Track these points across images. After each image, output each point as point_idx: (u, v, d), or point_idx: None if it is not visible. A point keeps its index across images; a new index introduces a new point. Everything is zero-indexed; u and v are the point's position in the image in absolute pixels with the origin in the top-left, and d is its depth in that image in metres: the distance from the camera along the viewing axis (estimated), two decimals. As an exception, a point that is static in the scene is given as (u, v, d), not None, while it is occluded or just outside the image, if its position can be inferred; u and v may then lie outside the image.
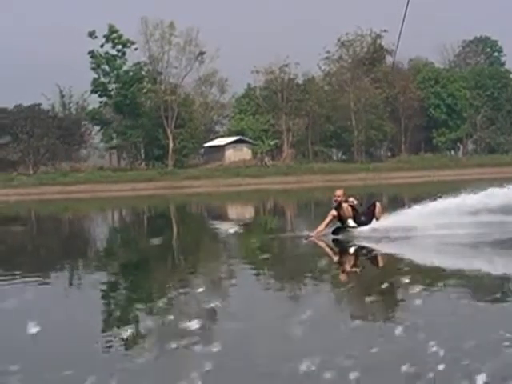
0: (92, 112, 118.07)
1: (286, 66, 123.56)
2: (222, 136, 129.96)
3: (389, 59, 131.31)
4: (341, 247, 20.51)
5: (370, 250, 19.34)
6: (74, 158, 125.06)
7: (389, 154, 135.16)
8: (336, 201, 21.65)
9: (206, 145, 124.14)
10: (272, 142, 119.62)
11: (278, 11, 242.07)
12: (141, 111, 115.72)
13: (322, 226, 21.50)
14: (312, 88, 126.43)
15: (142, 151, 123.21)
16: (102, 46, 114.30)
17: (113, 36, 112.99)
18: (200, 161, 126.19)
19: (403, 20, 12.56)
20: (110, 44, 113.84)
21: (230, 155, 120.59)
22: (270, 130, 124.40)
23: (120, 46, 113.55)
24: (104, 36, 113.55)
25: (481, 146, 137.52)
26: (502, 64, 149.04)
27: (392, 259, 17.60)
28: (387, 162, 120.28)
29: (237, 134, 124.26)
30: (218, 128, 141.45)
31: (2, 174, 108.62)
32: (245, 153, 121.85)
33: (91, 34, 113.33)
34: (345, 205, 21.44)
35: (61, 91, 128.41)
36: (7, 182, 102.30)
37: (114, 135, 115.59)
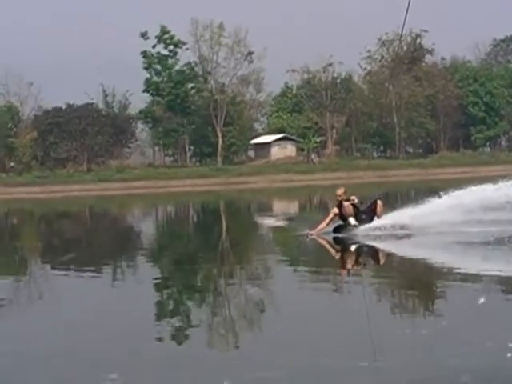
0: (145, 111, 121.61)
1: (330, 65, 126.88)
2: (261, 134, 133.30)
3: (428, 58, 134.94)
4: (342, 245, 20.21)
5: (372, 248, 19.25)
6: (117, 155, 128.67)
7: (420, 150, 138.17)
8: (337, 199, 21.79)
9: (253, 142, 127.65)
10: (318, 140, 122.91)
11: (315, 12, 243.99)
12: (191, 110, 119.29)
13: (324, 224, 21.63)
14: (354, 86, 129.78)
15: (189, 148, 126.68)
16: (154, 46, 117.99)
17: (165, 37, 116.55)
18: (246, 158, 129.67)
19: (406, 12, 12.15)
20: (162, 44, 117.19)
21: (276, 152, 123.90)
22: (313, 128, 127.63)
23: (172, 47, 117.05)
24: (156, 37, 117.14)
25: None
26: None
27: (393, 258, 17.59)
28: (429, 159, 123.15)
29: (278, 132, 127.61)
30: (256, 126, 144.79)
31: (57, 170, 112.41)
32: (289, 150, 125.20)
33: (143, 35, 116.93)
34: (346, 203, 21.49)
35: (104, 90, 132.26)
36: (66, 179, 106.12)
37: (168, 133, 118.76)
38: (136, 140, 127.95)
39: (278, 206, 52.85)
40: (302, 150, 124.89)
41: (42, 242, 28.55)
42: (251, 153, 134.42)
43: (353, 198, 21.76)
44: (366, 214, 21.59)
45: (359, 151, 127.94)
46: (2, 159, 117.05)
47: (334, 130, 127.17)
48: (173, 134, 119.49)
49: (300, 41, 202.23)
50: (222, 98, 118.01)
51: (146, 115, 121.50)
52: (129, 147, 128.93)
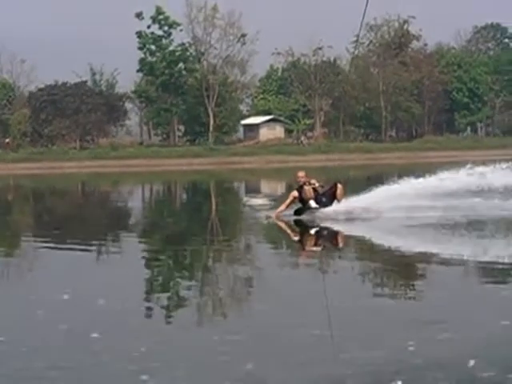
0: (139, 90, 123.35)
1: (320, 48, 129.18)
2: (247, 116, 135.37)
3: (415, 44, 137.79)
4: (303, 228, 20.44)
5: (332, 231, 19.57)
6: (105, 134, 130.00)
7: (403, 134, 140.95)
8: (298, 182, 21.92)
9: (243, 122, 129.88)
10: (308, 122, 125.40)
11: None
12: (184, 90, 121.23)
13: (283, 207, 21.74)
14: (341, 70, 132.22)
15: (177, 128, 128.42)
16: (148, 26, 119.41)
17: (159, 17, 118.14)
18: (235, 138, 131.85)
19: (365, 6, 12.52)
20: (156, 25, 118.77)
21: (264, 133, 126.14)
22: (300, 110, 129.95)
23: (166, 27, 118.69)
24: (151, 17, 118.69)
25: (499, 128, 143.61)
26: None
27: (352, 240, 18.00)
28: (415, 142, 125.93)
29: (264, 114, 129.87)
30: (241, 107, 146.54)
31: (47, 147, 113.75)
32: (278, 131, 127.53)
33: (138, 15, 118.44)
34: (306, 187, 21.51)
35: (91, 69, 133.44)
36: (61, 156, 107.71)
37: (161, 112, 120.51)
38: (129, 119, 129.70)
39: (269, 186, 54.36)
40: (290, 131, 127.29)
41: (35, 218, 29.40)
42: (239, 134, 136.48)
43: (313, 181, 21.87)
44: (327, 197, 21.62)
45: (346, 134, 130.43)
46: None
47: (322, 113, 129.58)
48: (165, 113, 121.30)
49: (286, 24, 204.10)
50: (214, 78, 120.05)
51: (140, 94, 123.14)
52: (122, 125, 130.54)
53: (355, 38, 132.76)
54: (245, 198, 37.69)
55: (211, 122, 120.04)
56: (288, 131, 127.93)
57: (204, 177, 71.37)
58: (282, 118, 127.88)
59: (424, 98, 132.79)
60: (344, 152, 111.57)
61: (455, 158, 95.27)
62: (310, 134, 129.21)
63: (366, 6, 12.27)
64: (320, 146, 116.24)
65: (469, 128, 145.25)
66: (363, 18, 13.41)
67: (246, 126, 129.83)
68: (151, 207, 35.69)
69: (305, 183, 21.64)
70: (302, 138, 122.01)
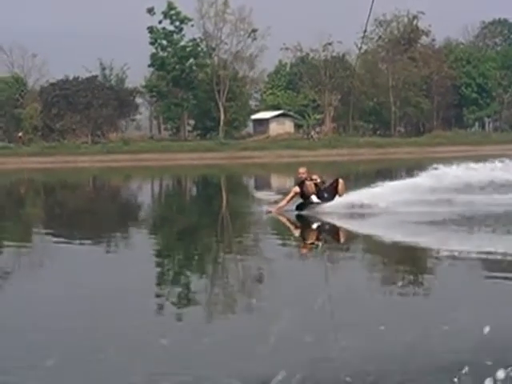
0: (150, 85, 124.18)
1: (330, 44, 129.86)
2: (256, 111, 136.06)
3: (424, 39, 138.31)
4: (306, 223, 20.86)
5: (333, 226, 20.15)
6: (114, 128, 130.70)
7: (410, 129, 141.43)
8: (299, 178, 22.42)
9: (253, 117, 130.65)
10: (318, 117, 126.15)
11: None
12: (195, 85, 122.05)
13: (284, 202, 22.13)
14: (351, 66, 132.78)
15: (187, 122, 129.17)
16: (160, 22, 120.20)
17: (171, 13, 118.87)
18: (245, 133, 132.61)
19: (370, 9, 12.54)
20: (168, 20, 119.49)
21: (274, 128, 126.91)
22: (310, 105, 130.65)
23: (178, 23, 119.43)
24: (162, 13, 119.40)
25: (507, 123, 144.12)
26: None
27: (351, 235, 18.56)
28: (424, 137, 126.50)
29: (273, 109, 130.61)
30: (250, 102, 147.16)
31: (59, 142, 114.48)
32: (287, 126, 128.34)
33: (150, 11, 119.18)
34: (308, 182, 21.93)
35: (101, 64, 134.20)
36: (74, 150, 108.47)
37: (171, 106, 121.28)
38: (140, 113, 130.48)
39: (279, 180, 55.29)
40: (299, 126, 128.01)
41: (49, 212, 30.42)
42: (249, 129, 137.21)
43: (315, 177, 22.35)
44: (328, 192, 22.05)
45: (355, 129, 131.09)
46: (10, 130, 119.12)
47: (332, 108, 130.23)
48: (176, 108, 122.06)
49: (295, 19, 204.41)
50: (224, 73, 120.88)
51: (151, 89, 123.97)
52: (132, 120, 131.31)
53: (362, 34, 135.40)
54: (255, 192, 38.65)
55: (222, 116, 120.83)
56: (297, 126, 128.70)
57: (216, 171, 72.20)
58: (291, 113, 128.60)
59: (433, 94, 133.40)
60: (353, 147, 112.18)
61: (466, 153, 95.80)
62: (318, 128, 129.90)
63: (373, 2, 12.36)
64: (330, 141, 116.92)
65: (476, 123, 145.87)
66: (370, 13, 13.59)
67: (255, 120, 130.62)
68: (171, 202, 36.32)
69: (306, 179, 22.15)
70: (312, 133, 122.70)
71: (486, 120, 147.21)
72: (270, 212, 21.91)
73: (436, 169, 22.63)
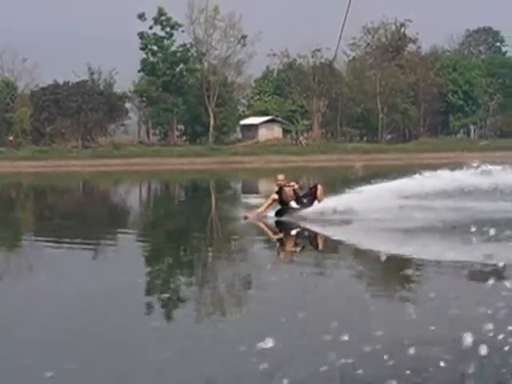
0: (140, 90, 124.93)
1: (319, 50, 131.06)
2: (244, 116, 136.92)
3: (411, 47, 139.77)
4: (283, 228, 20.94)
5: (312, 233, 20.14)
6: (104, 133, 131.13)
7: (396, 136, 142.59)
8: (278, 184, 22.60)
9: (242, 122, 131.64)
10: (306, 122, 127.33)
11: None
12: (185, 90, 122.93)
13: (263, 208, 22.35)
14: (339, 72, 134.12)
15: (177, 127, 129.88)
16: (150, 27, 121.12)
17: (161, 18, 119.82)
18: (234, 138, 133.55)
19: (345, 16, 13.37)
20: (158, 26, 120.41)
21: (263, 133, 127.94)
22: (298, 111, 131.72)
23: (168, 28, 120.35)
24: (153, 18, 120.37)
25: (492, 130, 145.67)
26: (504, 54, 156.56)
27: (330, 242, 18.61)
28: (411, 144, 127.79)
29: (261, 114, 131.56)
30: (238, 107, 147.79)
31: (49, 146, 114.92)
32: (276, 132, 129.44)
33: (141, 16, 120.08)
34: (287, 188, 22.19)
35: (89, 68, 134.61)
36: (64, 154, 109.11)
37: (160, 112, 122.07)
38: (129, 118, 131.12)
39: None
40: (287, 132, 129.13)
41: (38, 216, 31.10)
42: (237, 134, 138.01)
43: (292, 183, 22.60)
44: (307, 198, 22.34)
45: (343, 135, 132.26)
46: (1, 134, 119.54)
47: (320, 114, 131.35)
48: (165, 113, 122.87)
49: (282, 26, 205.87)
50: (214, 79, 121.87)
51: (141, 94, 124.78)
52: (122, 125, 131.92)
53: (352, 41, 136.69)
54: (243, 197, 38.79)
55: (211, 121, 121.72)
56: (286, 131, 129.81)
57: (206, 176, 72.89)
58: (280, 119, 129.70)
59: (420, 100, 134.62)
60: (342, 152, 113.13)
61: (452, 160, 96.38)
62: (306, 134, 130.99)
63: (349, 6, 12.84)
64: (319, 147, 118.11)
65: (462, 130, 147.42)
66: (346, 16, 13.81)
67: (244, 126, 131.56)
68: (162, 207, 36.87)
69: (284, 185, 22.45)
70: (301, 139, 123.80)
71: (472, 127, 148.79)
72: (247, 218, 22.08)
73: (417, 174, 22.88)
